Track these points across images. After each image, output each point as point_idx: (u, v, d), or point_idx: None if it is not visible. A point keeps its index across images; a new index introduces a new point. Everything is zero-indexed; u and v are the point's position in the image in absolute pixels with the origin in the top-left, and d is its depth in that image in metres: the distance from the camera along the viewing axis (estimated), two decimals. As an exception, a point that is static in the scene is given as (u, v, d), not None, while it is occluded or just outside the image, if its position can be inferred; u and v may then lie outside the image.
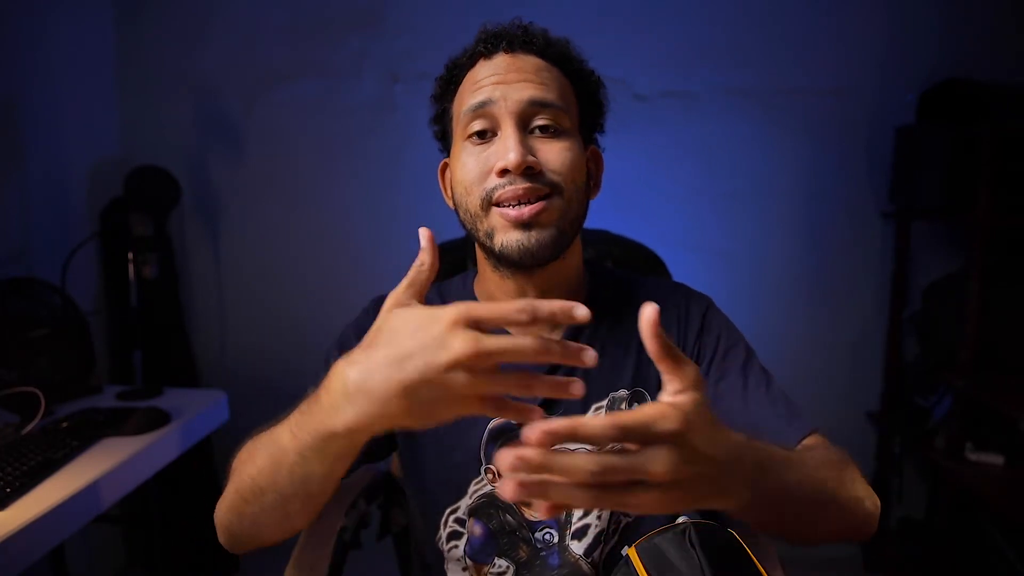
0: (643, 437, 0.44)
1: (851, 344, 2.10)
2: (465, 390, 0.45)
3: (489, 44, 0.75)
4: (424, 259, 0.54)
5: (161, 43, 2.06)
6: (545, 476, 0.41)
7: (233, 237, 2.15)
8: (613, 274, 0.92)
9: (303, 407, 0.55)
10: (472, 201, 0.73)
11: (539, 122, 0.72)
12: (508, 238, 0.71)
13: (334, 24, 2.02)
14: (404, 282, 0.54)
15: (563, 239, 0.74)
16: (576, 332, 0.85)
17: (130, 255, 1.62)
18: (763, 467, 0.55)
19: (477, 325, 0.46)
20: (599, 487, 0.42)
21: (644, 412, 0.44)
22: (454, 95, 0.79)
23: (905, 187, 1.89)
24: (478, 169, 0.72)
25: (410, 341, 0.46)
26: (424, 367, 0.45)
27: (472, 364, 0.44)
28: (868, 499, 0.68)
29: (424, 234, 0.56)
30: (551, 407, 0.83)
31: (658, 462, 0.44)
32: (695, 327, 0.83)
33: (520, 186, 0.69)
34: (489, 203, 0.72)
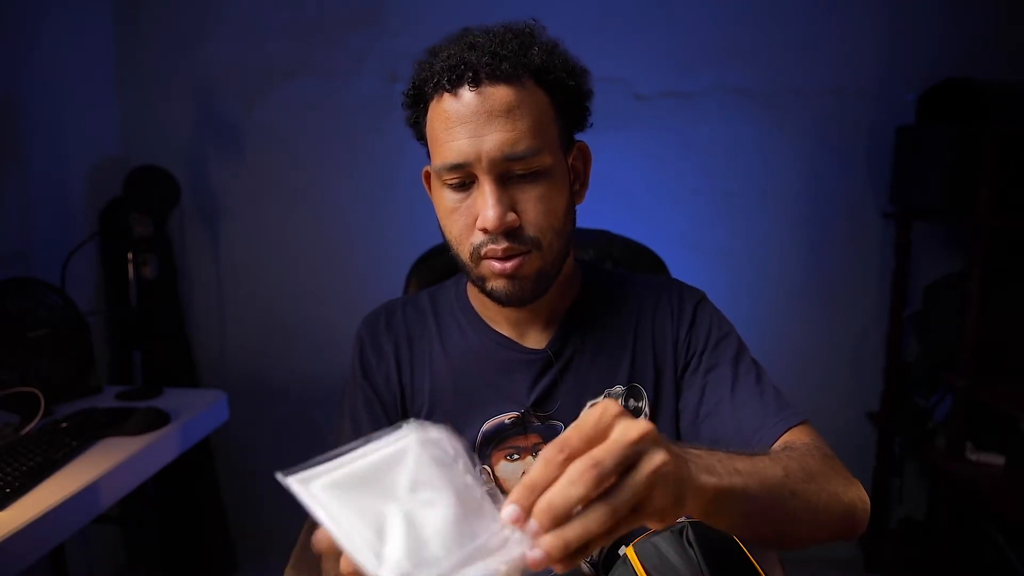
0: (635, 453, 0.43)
1: (851, 344, 2.10)
2: None
3: (452, 78, 0.72)
4: None
5: (161, 43, 2.06)
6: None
7: (233, 237, 2.15)
8: (607, 273, 0.93)
9: None
10: (463, 252, 0.78)
11: (517, 170, 0.73)
12: (497, 285, 0.77)
13: (334, 24, 2.02)
14: None
15: (546, 280, 0.79)
16: (570, 333, 0.85)
17: (130, 255, 1.62)
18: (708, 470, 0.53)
19: None
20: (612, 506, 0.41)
21: (627, 426, 0.43)
22: (424, 113, 0.78)
23: (905, 187, 1.89)
24: (462, 222, 0.76)
25: None
26: None
27: None
28: (848, 493, 0.65)
29: None
30: (543, 407, 0.83)
31: (658, 451, 0.43)
32: (687, 320, 0.85)
33: (500, 246, 0.74)
34: (479, 257, 0.76)
